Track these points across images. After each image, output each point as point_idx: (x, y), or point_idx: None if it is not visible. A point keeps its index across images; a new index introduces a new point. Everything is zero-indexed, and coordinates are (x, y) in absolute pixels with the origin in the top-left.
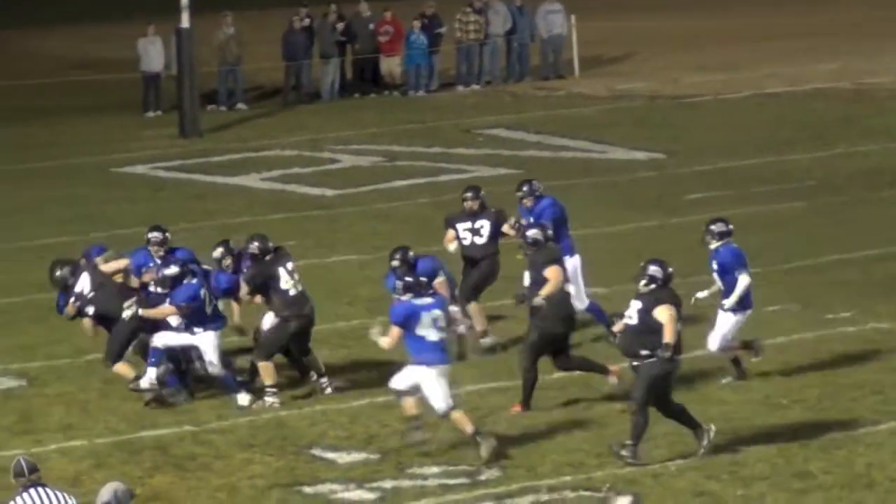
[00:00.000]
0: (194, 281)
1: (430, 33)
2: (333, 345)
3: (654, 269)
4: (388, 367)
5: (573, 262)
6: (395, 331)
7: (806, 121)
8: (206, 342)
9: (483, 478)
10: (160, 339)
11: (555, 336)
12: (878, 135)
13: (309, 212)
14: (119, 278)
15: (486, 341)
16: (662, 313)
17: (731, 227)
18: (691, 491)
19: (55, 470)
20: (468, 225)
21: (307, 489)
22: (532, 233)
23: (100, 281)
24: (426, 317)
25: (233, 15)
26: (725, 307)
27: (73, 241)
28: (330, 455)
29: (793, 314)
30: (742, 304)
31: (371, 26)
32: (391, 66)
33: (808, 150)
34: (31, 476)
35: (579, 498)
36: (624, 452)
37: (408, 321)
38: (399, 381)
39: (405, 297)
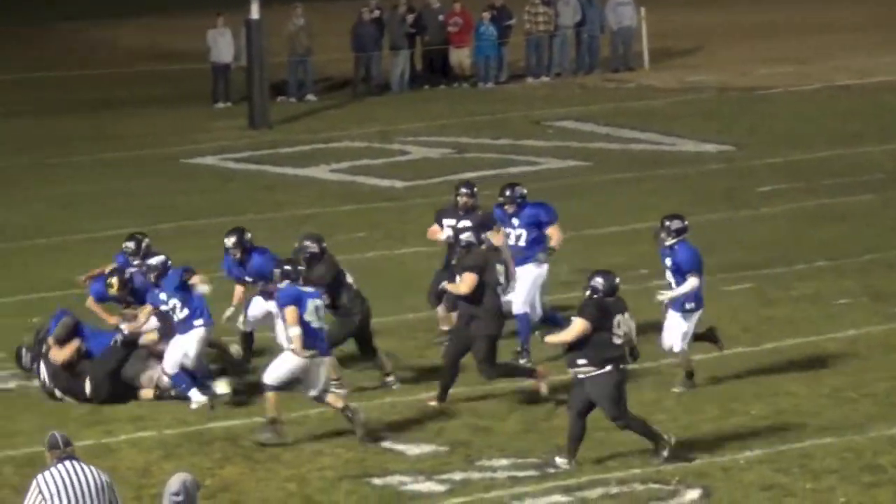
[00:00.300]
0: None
1: (499, 25)
2: (402, 336)
3: (596, 281)
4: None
5: (539, 271)
6: (291, 310)
7: (876, 113)
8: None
9: (552, 470)
10: (169, 366)
11: (496, 337)
12: None
13: (378, 203)
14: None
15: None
16: (574, 322)
17: (687, 223)
18: (760, 484)
19: (125, 461)
20: (453, 222)
21: (376, 481)
22: (466, 236)
23: (52, 371)
24: (311, 304)
25: (303, 6)
26: (667, 297)
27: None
28: (399, 447)
29: (863, 307)
30: (696, 303)
31: (441, 18)
32: (461, 57)
33: (878, 143)
34: (66, 449)
35: (648, 490)
36: (662, 455)
37: (297, 304)
38: (272, 375)
39: (282, 285)
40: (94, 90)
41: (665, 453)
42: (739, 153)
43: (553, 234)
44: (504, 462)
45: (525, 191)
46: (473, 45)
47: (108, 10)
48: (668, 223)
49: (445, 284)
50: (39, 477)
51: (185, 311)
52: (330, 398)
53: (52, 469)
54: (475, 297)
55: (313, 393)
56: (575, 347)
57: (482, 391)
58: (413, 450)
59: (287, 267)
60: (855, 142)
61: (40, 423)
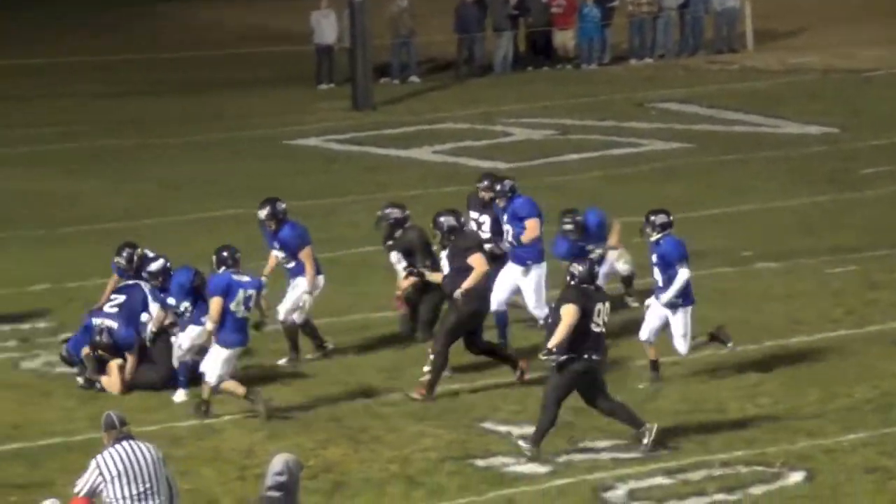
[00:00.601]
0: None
1: (603, 6)
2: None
3: (574, 267)
4: None
5: (539, 271)
6: (217, 301)
7: None
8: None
9: (657, 452)
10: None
11: (472, 315)
12: None
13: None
14: None
15: None
16: (563, 312)
17: (672, 218)
18: (863, 467)
19: (229, 441)
20: (475, 216)
21: (479, 462)
22: (445, 219)
23: None
24: (241, 294)
25: None
26: (662, 301)
27: (244, 214)
28: (502, 428)
29: None
30: (685, 299)
31: None
32: (564, 39)
33: None
34: (123, 429)
35: (752, 473)
36: (523, 447)
37: (226, 294)
38: (214, 374)
39: (221, 271)
40: (201, 71)
41: (529, 454)
42: (843, 135)
43: (530, 226)
44: (606, 443)
45: (515, 183)
46: (577, 26)
47: None
48: (652, 218)
49: (458, 292)
50: (98, 458)
51: (195, 311)
52: (228, 385)
53: (111, 449)
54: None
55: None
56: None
57: None
58: (516, 431)
59: (224, 253)
60: None
61: (142, 404)
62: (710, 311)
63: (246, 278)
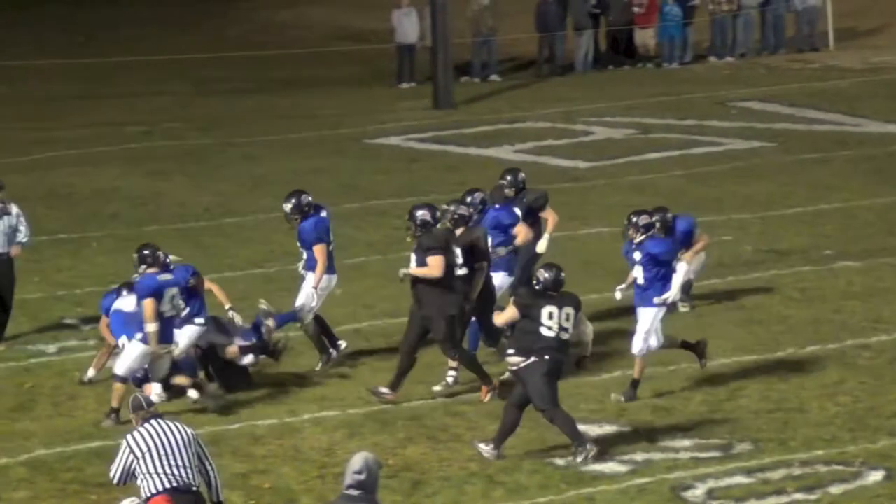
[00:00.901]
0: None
1: (684, 5)
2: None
3: (540, 273)
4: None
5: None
6: (149, 303)
7: None
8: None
9: (735, 451)
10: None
11: (455, 316)
12: None
13: (562, 184)
14: None
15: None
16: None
17: (655, 219)
18: None
19: (309, 440)
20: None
21: (559, 461)
22: (421, 213)
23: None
24: (168, 293)
25: None
26: (670, 298)
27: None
28: (582, 427)
29: None
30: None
31: None
32: (645, 38)
33: None
34: (150, 409)
35: (831, 472)
36: (578, 459)
37: (157, 295)
38: (124, 367)
39: (150, 271)
40: (284, 70)
41: (580, 459)
42: None
43: (519, 231)
44: (686, 443)
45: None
46: (658, 25)
47: None
48: (635, 219)
49: (408, 270)
50: (128, 437)
51: (187, 310)
52: (177, 380)
53: (140, 429)
54: (438, 278)
55: (157, 380)
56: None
57: (665, 371)
58: (595, 430)
59: (146, 251)
60: None
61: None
62: (790, 310)
63: (169, 276)
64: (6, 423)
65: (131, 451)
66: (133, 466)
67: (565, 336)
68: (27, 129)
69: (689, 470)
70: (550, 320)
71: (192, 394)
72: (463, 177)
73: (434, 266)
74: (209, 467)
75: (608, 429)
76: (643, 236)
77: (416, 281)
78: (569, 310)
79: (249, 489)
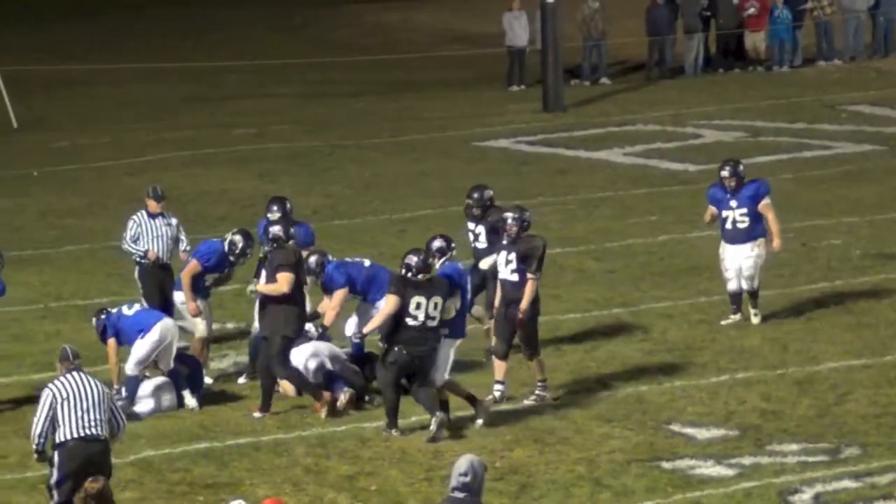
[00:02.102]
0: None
1: (794, 8)
2: (693, 321)
3: (409, 258)
4: (748, 343)
5: None
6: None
7: None
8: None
9: (843, 456)
10: None
11: (290, 339)
12: None
13: (671, 187)
14: None
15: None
16: (385, 301)
17: (453, 244)
18: None
19: (416, 442)
20: (472, 227)
21: (665, 464)
22: (275, 230)
23: None
24: None
25: None
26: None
27: (435, 215)
28: (689, 430)
29: None
30: (453, 329)
31: (736, 1)
32: (756, 41)
33: None
34: (75, 361)
35: None
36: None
37: None
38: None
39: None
40: (393, 73)
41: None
42: None
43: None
44: (794, 447)
45: (492, 193)
46: (768, 28)
47: None
48: (431, 244)
49: (256, 286)
50: (51, 384)
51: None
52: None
53: (63, 377)
54: (284, 295)
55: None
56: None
57: (773, 375)
58: (703, 433)
59: None
60: None
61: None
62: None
63: None
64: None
65: (53, 395)
66: (55, 411)
67: (431, 324)
68: (137, 132)
69: (797, 474)
70: (417, 310)
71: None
72: (572, 180)
73: (282, 283)
74: (120, 421)
75: (715, 432)
76: (440, 261)
77: (265, 298)
78: (437, 299)
79: (356, 490)
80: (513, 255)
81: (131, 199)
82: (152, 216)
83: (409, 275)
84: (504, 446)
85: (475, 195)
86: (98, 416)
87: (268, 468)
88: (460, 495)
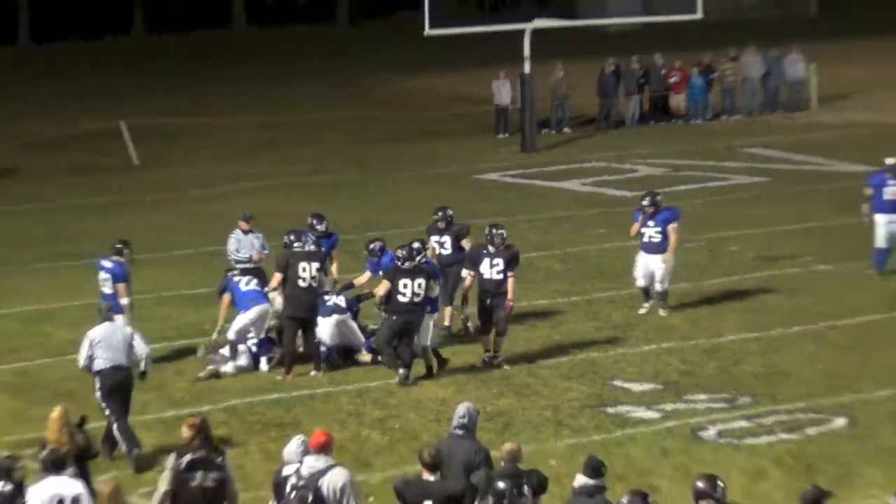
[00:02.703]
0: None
1: (706, 76)
2: (629, 306)
3: (397, 251)
4: (670, 322)
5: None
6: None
7: None
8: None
9: (738, 403)
10: None
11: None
12: None
13: (615, 208)
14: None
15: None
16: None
17: (426, 246)
18: (890, 415)
19: (428, 393)
20: (436, 239)
21: (609, 409)
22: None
23: None
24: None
25: (562, 63)
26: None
27: None
28: (627, 385)
29: None
30: (433, 307)
31: (663, 72)
32: (678, 101)
33: None
34: (108, 314)
35: (809, 419)
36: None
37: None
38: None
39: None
40: (414, 124)
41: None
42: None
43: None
44: (703, 397)
45: (451, 212)
46: (687, 91)
47: (427, 65)
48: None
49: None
50: (89, 332)
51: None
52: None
53: (99, 326)
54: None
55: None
56: None
57: (687, 345)
58: (637, 387)
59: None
60: None
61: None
62: (781, 300)
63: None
64: (210, 383)
65: (91, 338)
66: (92, 351)
67: (417, 300)
68: (223, 167)
69: (705, 416)
70: (405, 289)
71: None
72: (543, 203)
73: (274, 280)
74: (142, 353)
75: (646, 386)
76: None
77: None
78: (421, 279)
79: (384, 429)
80: (498, 260)
81: (218, 217)
82: (245, 232)
83: (399, 264)
84: (492, 397)
85: (440, 213)
86: (122, 352)
87: (320, 412)
88: (460, 432)
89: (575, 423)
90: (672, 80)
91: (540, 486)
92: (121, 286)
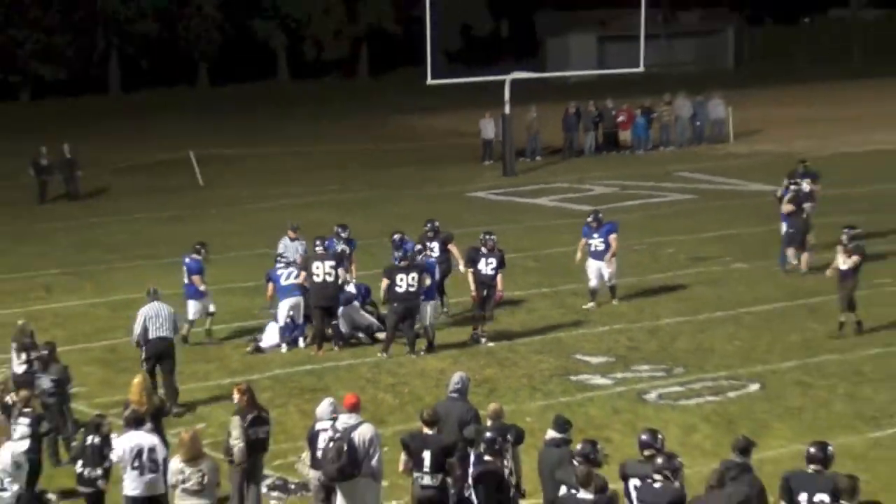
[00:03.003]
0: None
1: (647, 116)
2: (588, 297)
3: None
4: (619, 309)
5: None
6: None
7: (867, 167)
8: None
9: (674, 373)
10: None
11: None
12: None
13: (577, 219)
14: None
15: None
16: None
17: (418, 246)
18: (795, 381)
19: (430, 364)
20: (427, 244)
21: (573, 377)
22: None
23: None
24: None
25: (535, 106)
26: None
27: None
28: (586, 358)
29: None
30: (430, 296)
31: (613, 112)
32: (625, 136)
33: (867, 185)
34: (155, 294)
35: (729, 384)
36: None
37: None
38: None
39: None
40: (418, 153)
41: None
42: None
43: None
44: (646, 367)
45: (437, 223)
46: (632, 128)
47: (428, 107)
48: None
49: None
50: (142, 309)
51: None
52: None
53: (148, 305)
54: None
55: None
56: None
57: (634, 327)
58: (594, 360)
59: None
60: (849, 185)
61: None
62: (707, 290)
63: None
64: (258, 357)
65: (144, 314)
66: (145, 323)
67: (412, 290)
68: (270, 187)
69: (647, 383)
70: (401, 282)
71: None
72: (520, 216)
73: (301, 277)
74: (181, 326)
75: (602, 359)
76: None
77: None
78: (414, 273)
79: (396, 393)
80: (492, 260)
81: (266, 226)
82: (291, 240)
83: (395, 262)
84: (480, 367)
85: (429, 225)
86: (167, 326)
87: (345, 380)
88: (455, 395)
89: (545, 388)
90: (620, 119)
91: (519, 437)
92: (196, 277)
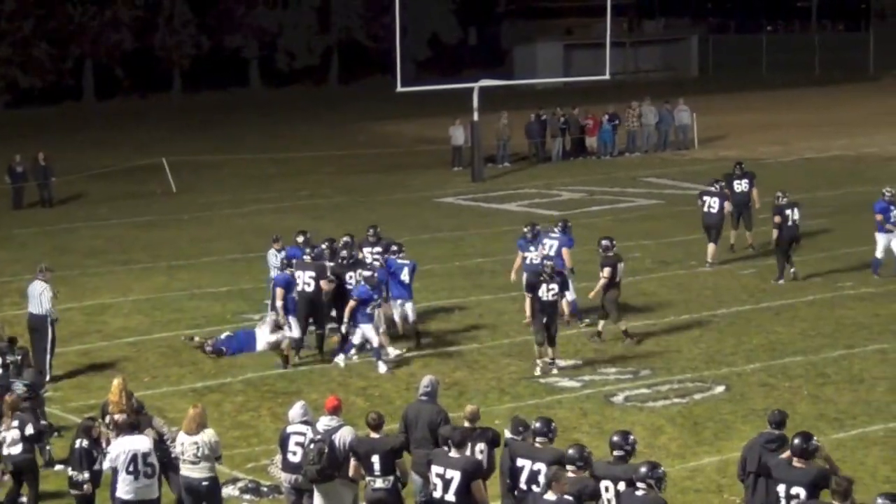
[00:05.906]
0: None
1: (613, 123)
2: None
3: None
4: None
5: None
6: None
7: (826, 173)
8: None
9: (641, 375)
10: None
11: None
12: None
13: (544, 224)
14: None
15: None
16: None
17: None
18: (758, 383)
19: (402, 369)
20: (368, 250)
21: (541, 380)
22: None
23: None
24: None
25: (506, 113)
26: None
27: (412, 240)
28: (557, 361)
29: None
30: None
31: (580, 119)
32: (591, 142)
33: (826, 190)
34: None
35: (696, 386)
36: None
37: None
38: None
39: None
40: (389, 159)
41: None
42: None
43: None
44: (613, 370)
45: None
46: (598, 134)
47: (398, 115)
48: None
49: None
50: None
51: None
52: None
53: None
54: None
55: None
56: None
57: (602, 331)
58: (563, 363)
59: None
60: (812, 189)
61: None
62: (671, 294)
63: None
64: (231, 360)
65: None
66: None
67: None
68: (244, 193)
69: (614, 385)
70: (350, 280)
71: None
72: (489, 220)
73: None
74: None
75: (570, 362)
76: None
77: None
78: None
79: (366, 395)
80: (553, 286)
81: (241, 231)
82: (277, 251)
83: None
84: (449, 371)
85: (371, 230)
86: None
87: (317, 383)
88: (425, 398)
89: (514, 390)
90: (587, 125)
91: (495, 440)
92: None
